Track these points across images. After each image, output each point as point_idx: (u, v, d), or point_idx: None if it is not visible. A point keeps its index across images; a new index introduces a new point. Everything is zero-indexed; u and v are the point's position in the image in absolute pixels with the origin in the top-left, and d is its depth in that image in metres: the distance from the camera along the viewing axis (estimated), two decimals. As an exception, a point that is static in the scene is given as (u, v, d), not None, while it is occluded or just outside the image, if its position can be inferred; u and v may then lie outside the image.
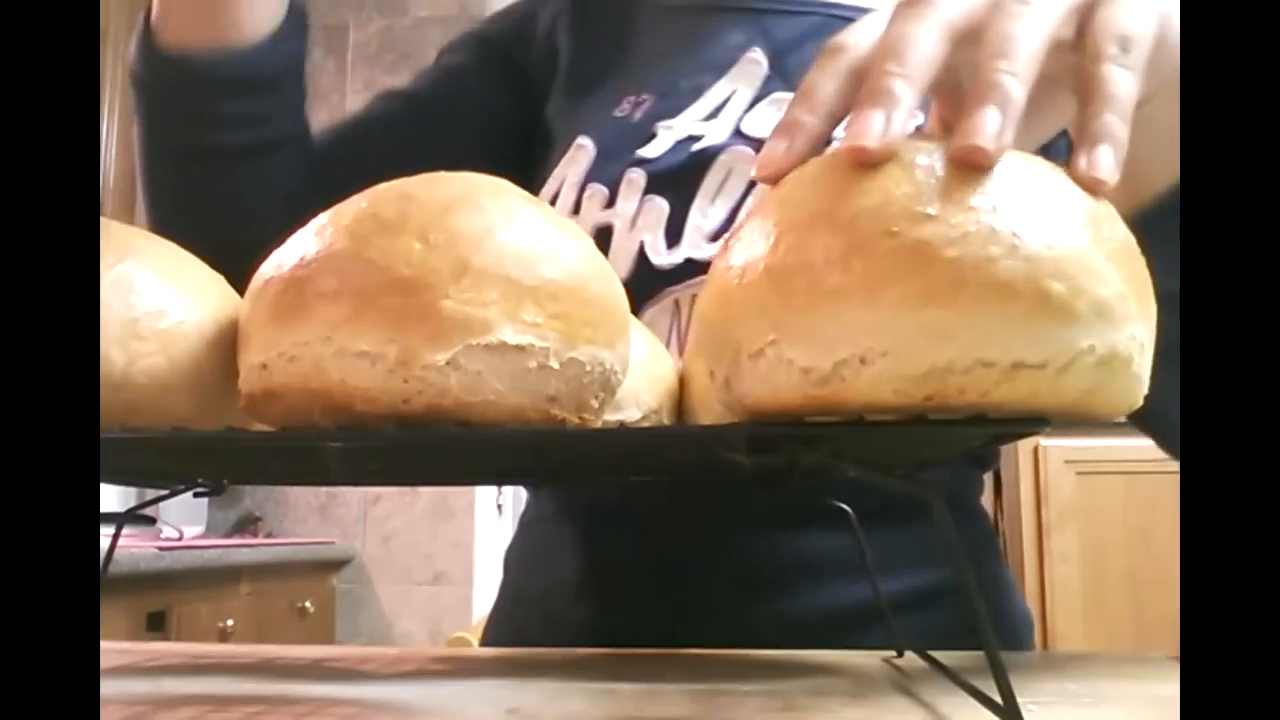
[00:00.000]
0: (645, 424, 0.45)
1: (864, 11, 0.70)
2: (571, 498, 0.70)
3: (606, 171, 0.66)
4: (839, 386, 0.30)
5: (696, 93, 0.67)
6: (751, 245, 0.32)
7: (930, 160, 0.31)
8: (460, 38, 0.83)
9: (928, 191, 0.30)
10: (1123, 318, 0.30)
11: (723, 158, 0.63)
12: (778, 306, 0.31)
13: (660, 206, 0.64)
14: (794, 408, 0.32)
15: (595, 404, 0.38)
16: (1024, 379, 0.29)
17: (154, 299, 0.39)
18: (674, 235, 0.63)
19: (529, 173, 0.74)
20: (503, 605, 0.75)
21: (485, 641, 0.75)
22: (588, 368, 0.37)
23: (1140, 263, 0.33)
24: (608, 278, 0.39)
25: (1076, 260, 0.29)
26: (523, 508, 0.78)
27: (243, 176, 0.67)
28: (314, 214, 0.38)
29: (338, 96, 2.94)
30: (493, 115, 0.78)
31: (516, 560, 0.75)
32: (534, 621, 0.70)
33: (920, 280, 0.29)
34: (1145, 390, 0.33)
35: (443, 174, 0.38)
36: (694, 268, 0.62)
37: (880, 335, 0.29)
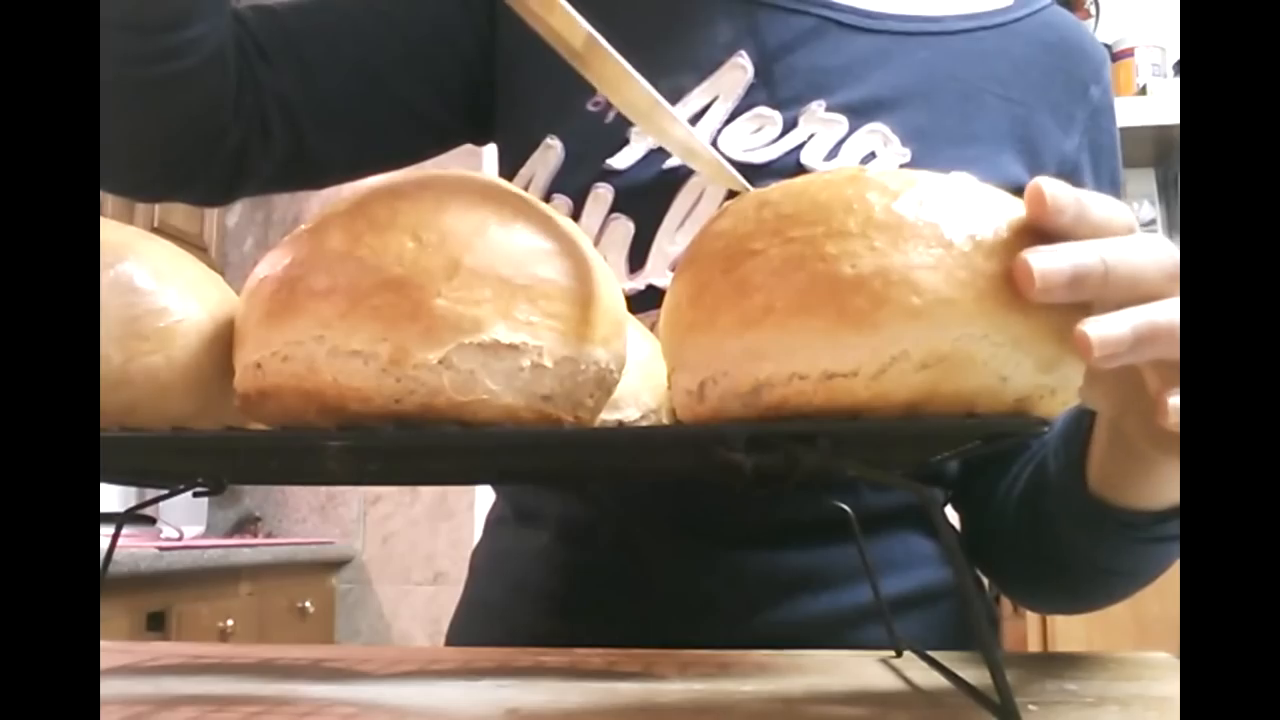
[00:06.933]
0: (644, 424, 0.45)
1: (862, 14, 0.66)
2: (539, 501, 0.67)
3: (573, 180, 0.64)
4: (705, 405, 0.35)
5: (674, 96, 0.63)
6: (670, 289, 0.38)
7: (780, 197, 0.35)
8: None
9: (763, 229, 0.34)
10: (944, 322, 0.31)
11: (694, 180, 0.61)
12: (670, 340, 0.38)
13: (626, 227, 0.62)
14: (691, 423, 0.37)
15: (590, 403, 0.38)
16: (841, 386, 0.32)
17: (152, 298, 0.39)
18: (638, 258, 0.61)
19: (485, 120, 0.71)
20: (464, 611, 0.71)
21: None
22: (582, 366, 0.37)
23: (996, 261, 0.32)
24: (603, 277, 0.39)
25: (880, 275, 0.32)
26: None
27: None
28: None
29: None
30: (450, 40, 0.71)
31: (480, 563, 0.72)
32: (494, 631, 0.66)
33: (739, 309, 0.34)
34: (1016, 385, 0.33)
35: (435, 172, 0.38)
36: (656, 296, 0.58)
37: (719, 359, 0.34)
